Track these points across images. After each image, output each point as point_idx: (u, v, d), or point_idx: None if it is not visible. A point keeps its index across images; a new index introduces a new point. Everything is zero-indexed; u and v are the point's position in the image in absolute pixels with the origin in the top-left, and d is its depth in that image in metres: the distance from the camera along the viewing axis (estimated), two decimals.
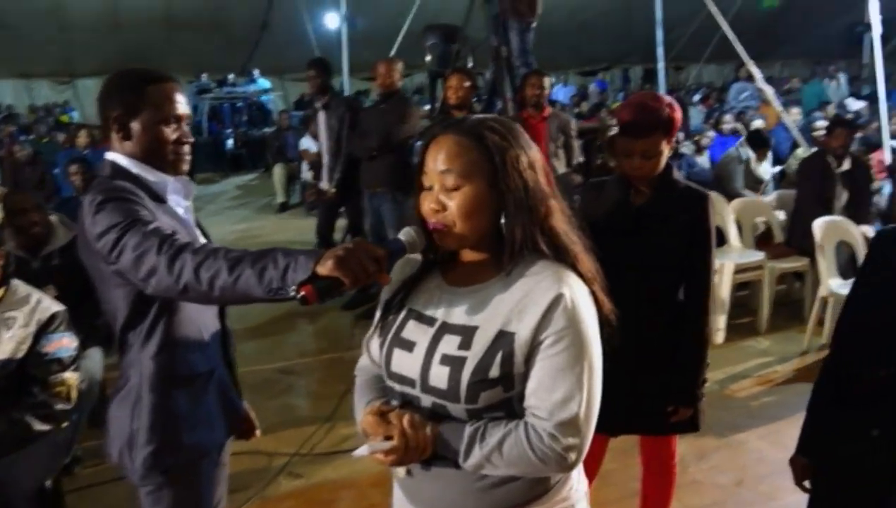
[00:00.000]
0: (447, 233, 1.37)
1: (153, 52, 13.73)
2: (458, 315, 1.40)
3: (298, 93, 15.39)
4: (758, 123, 7.59)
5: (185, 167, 1.87)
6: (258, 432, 2.18)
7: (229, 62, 14.55)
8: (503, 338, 1.33)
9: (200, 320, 1.86)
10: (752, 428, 3.83)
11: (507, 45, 5.91)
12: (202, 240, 1.90)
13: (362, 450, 1.37)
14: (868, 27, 13.92)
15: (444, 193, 1.37)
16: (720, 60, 16.92)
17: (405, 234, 1.40)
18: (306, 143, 9.14)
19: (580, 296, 1.34)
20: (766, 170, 6.66)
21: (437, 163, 1.37)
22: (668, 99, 2.30)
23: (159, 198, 1.80)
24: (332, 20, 11.52)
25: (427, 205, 1.39)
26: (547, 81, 5.41)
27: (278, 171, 10.02)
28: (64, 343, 2.68)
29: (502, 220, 1.37)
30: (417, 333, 1.43)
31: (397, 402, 1.45)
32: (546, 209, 1.38)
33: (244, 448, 2.76)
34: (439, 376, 1.36)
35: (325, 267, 1.29)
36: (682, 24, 13.04)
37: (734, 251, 5.31)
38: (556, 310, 1.31)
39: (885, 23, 11.99)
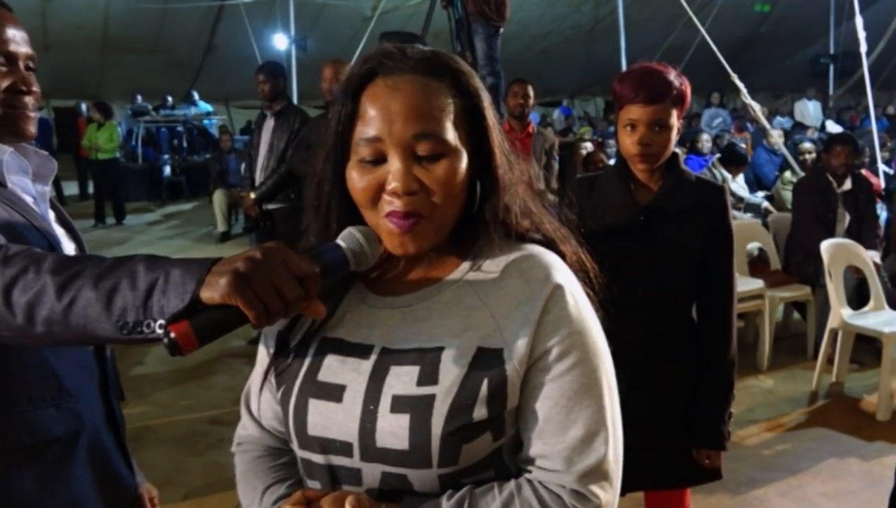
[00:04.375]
0: (420, 231, 0.92)
1: (87, 75, 13.04)
2: (405, 334, 0.95)
3: (244, 120, 14.87)
4: (742, 147, 7.22)
5: (30, 128, 1.28)
6: None
7: (171, 86, 13.99)
8: (486, 358, 0.91)
9: (56, 354, 1.24)
10: (769, 483, 3.30)
11: (471, 50, 5.39)
12: (68, 249, 1.27)
13: None
14: (832, 59, 14.00)
15: (416, 165, 0.91)
16: None
17: (347, 239, 0.91)
18: None
19: (578, 288, 0.97)
20: (742, 187, 6.40)
21: (401, 118, 0.90)
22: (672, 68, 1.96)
23: None
24: (281, 41, 10.88)
25: (386, 184, 0.91)
26: (531, 90, 4.84)
27: (219, 198, 9.22)
28: None
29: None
30: (344, 372, 0.95)
31: (319, 484, 0.98)
32: (517, 175, 1.01)
33: None
34: (394, 431, 0.90)
35: (216, 291, 0.80)
36: (644, 55, 12.78)
37: None
38: (555, 308, 0.92)
39: (847, 55, 11.90)
